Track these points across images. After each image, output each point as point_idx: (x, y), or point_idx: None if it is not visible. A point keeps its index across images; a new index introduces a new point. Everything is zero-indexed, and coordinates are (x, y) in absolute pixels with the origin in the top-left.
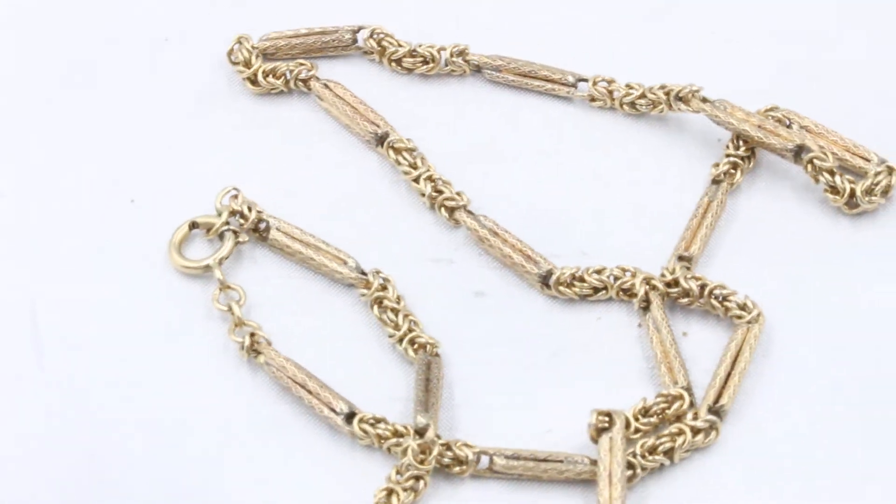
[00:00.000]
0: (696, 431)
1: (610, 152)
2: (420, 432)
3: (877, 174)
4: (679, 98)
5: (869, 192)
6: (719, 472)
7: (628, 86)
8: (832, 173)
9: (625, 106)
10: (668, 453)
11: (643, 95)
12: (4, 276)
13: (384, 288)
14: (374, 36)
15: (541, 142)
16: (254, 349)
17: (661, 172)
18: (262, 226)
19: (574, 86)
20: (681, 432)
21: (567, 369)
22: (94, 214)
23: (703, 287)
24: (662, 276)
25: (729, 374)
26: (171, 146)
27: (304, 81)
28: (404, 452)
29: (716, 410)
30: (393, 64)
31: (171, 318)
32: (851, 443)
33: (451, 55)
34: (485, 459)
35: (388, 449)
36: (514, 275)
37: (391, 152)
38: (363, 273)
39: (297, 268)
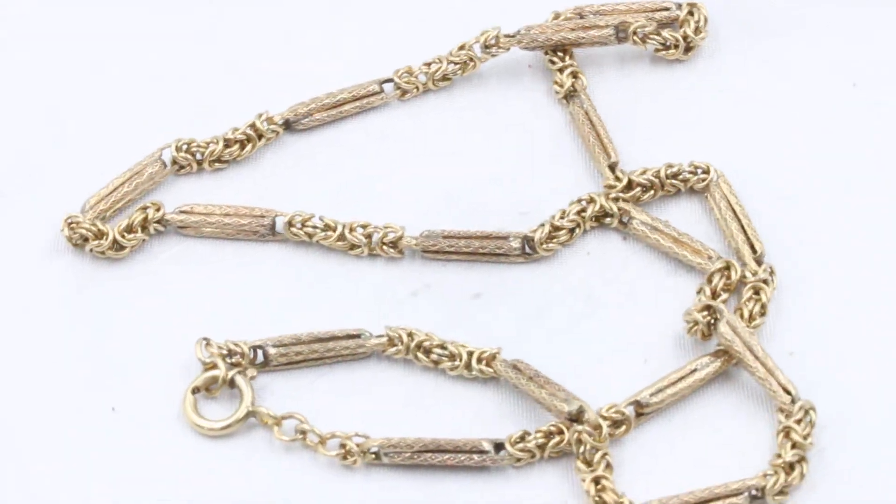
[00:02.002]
0: (766, 283)
1: (453, 126)
2: (577, 417)
3: (689, 13)
4: (486, 46)
5: (697, 30)
6: (801, 307)
7: (426, 64)
8: (658, 33)
9: (438, 83)
10: (762, 312)
11: (451, 62)
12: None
13: (411, 335)
14: (181, 150)
15: (392, 153)
16: (362, 451)
17: (506, 119)
18: (252, 354)
19: (381, 91)
20: (758, 290)
21: (603, 310)
22: (89, 428)
23: (656, 175)
24: (613, 186)
25: (743, 226)
26: (84, 351)
27: (159, 221)
28: (579, 441)
29: (759, 259)
30: (214, 164)
31: (245, 479)
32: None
33: (260, 125)
34: (629, 409)
35: (549, 455)
36: (488, 263)
37: (295, 230)
38: (380, 336)
39: (309, 371)
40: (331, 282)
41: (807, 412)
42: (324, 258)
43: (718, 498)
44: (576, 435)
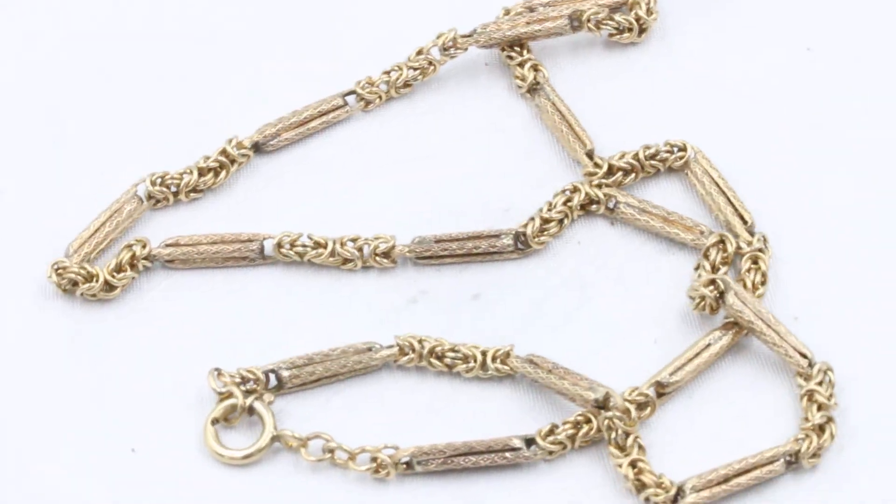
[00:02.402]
0: (762, 252)
1: (422, 132)
2: (604, 404)
3: None
4: (444, 48)
5: (648, 11)
6: (794, 273)
7: (386, 72)
8: (611, 18)
9: (399, 90)
10: (763, 281)
11: (410, 68)
12: None
13: (422, 342)
14: (155, 184)
15: (364, 164)
16: (394, 463)
17: (472, 118)
18: (265, 379)
19: (345, 104)
20: (756, 259)
21: (602, 296)
22: (111, 471)
23: (635, 157)
24: (594, 173)
25: (730, 199)
26: (92, 394)
27: (147, 257)
28: (609, 427)
29: (751, 230)
30: (190, 195)
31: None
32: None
33: (231, 150)
34: (651, 391)
35: (580, 445)
36: (481, 263)
37: (285, 251)
38: (390, 346)
39: (324, 390)
40: (327, 298)
41: (825, 373)
42: (316, 276)
43: (756, 467)
44: (606, 421)
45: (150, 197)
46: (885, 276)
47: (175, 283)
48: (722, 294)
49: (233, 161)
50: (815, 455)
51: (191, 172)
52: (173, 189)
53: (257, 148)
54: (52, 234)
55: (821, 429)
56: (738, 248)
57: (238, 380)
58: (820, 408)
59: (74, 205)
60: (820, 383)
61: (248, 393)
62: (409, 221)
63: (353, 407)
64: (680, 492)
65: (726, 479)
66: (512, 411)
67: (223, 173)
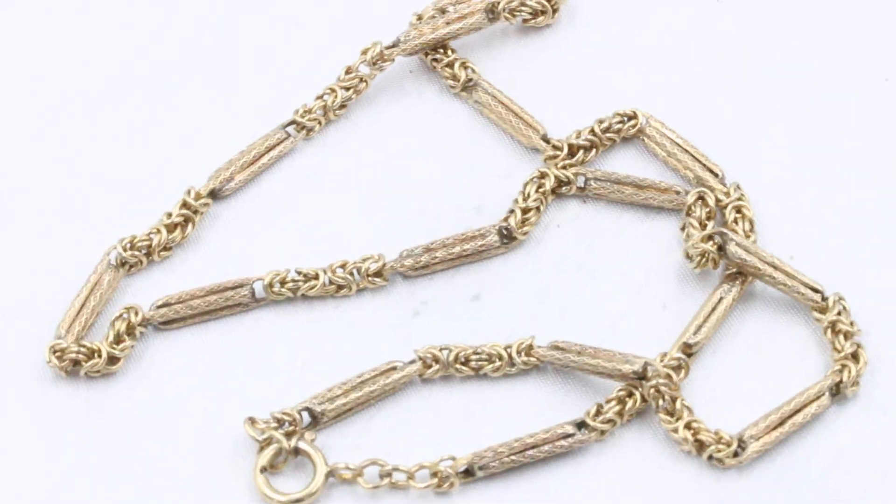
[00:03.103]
0: (741, 198)
1: (369, 149)
2: (643, 374)
3: None
4: (373, 63)
5: None
6: (773, 211)
7: (319, 97)
8: (524, 4)
9: (336, 112)
10: (751, 228)
11: (345, 88)
12: None
13: (442, 350)
14: (126, 249)
15: (322, 191)
16: (456, 473)
17: (414, 127)
18: (300, 417)
19: (288, 135)
20: (739, 208)
21: (597, 273)
22: None
23: (592, 133)
24: (556, 156)
25: (695, 155)
26: (127, 473)
27: (141, 324)
28: (655, 395)
29: (722, 182)
30: (161, 254)
31: None
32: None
33: (191, 201)
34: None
35: (629, 418)
36: (472, 263)
37: (277, 290)
38: (412, 362)
39: (357, 417)
40: (329, 328)
41: (840, 302)
42: (310, 309)
43: (805, 405)
44: (651, 390)
45: (123, 263)
46: (861, 197)
47: (172, 343)
48: (722, 247)
49: (195, 212)
50: (855, 383)
51: (158, 231)
52: (144, 251)
53: (214, 194)
54: (21, 318)
55: (853, 356)
56: (718, 200)
57: (274, 424)
58: (846, 336)
59: (34, 285)
60: (839, 313)
61: (288, 435)
62: (382, 238)
63: (390, 428)
64: (741, 443)
65: (782, 422)
66: (544, 401)
67: (189, 226)
